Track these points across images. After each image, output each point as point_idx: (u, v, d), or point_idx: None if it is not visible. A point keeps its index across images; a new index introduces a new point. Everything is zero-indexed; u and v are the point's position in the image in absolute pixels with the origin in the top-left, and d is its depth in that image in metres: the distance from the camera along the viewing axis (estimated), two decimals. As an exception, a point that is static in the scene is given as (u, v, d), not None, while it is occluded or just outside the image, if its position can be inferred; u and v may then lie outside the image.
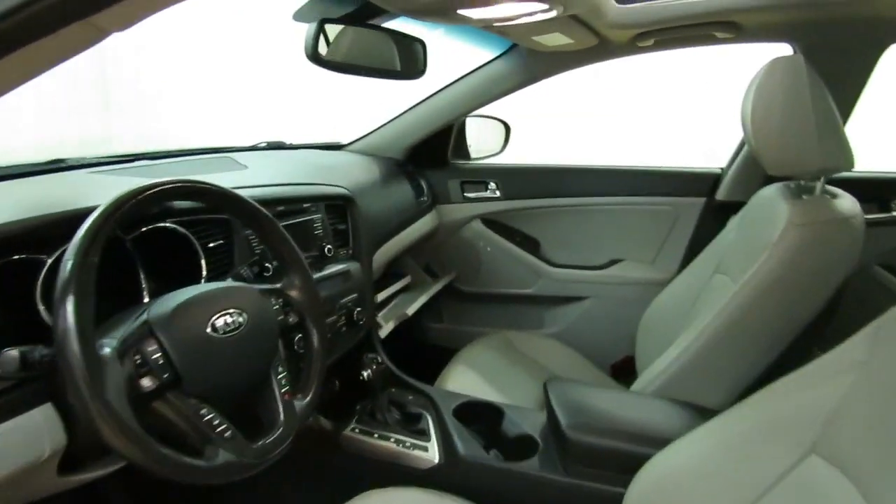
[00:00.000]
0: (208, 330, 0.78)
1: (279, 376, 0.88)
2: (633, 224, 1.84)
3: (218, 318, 0.80)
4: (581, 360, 1.73)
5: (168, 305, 0.76)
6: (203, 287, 0.82)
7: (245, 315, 0.83)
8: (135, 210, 0.76)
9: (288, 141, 1.80)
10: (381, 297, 1.71)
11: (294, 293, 0.96)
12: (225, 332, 0.80)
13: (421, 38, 1.22)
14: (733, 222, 1.39)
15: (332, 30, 1.02)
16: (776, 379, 1.07)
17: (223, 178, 1.24)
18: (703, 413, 1.01)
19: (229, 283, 0.87)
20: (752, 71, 1.14)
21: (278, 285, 0.95)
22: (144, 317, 0.75)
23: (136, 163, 1.27)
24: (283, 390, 0.88)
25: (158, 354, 0.72)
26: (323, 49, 1.01)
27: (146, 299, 0.96)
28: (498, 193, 1.92)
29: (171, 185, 0.79)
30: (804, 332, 1.09)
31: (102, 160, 1.25)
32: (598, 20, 1.23)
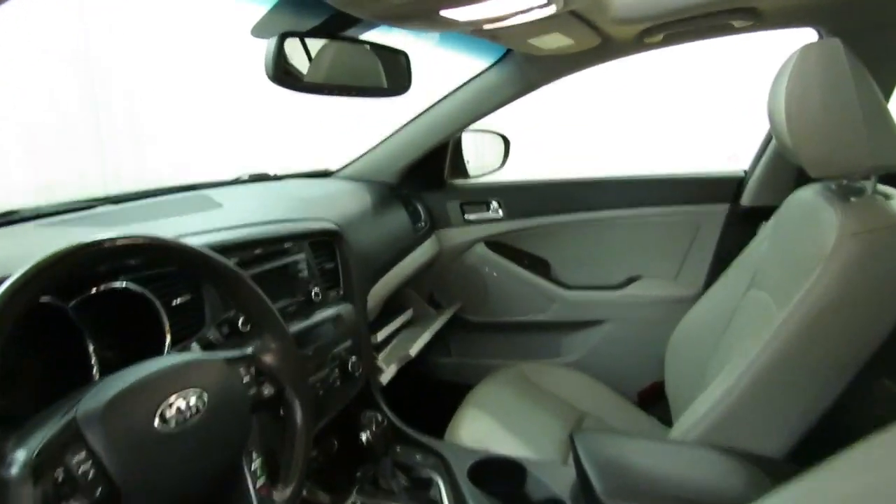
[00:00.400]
0: (156, 423, 0.63)
1: (253, 466, 0.73)
2: (651, 237, 1.68)
3: (168, 405, 0.65)
4: (605, 390, 1.57)
5: (101, 398, 0.61)
6: (146, 367, 0.67)
7: (205, 395, 0.68)
8: (51, 281, 0.61)
9: (272, 171, 1.66)
10: (380, 336, 1.56)
11: (269, 359, 0.81)
12: (178, 423, 0.65)
13: (404, 49, 1.08)
14: (765, 230, 1.23)
15: (297, 45, 0.88)
16: (842, 418, 0.90)
17: (192, 221, 1.11)
18: (765, 466, 0.85)
19: (182, 356, 0.72)
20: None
21: (249, 350, 0.80)
22: (71, 415, 0.60)
23: (97, 209, 1.15)
24: (258, 483, 0.73)
25: (88, 465, 0.57)
26: (289, 67, 0.86)
27: (97, 377, 0.82)
28: (501, 213, 1.78)
29: (94, 247, 0.64)
30: (870, 361, 0.93)
31: (60, 208, 1.13)
32: (602, 16, 1.09)
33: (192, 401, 0.67)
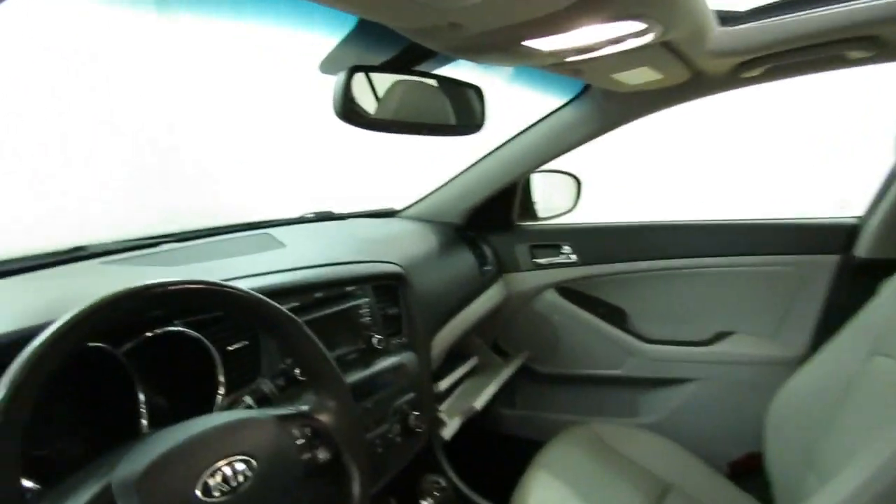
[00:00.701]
0: (198, 492, 0.56)
1: (302, 543, 0.65)
2: (745, 289, 1.52)
3: (212, 472, 0.58)
4: (690, 458, 1.40)
5: (139, 463, 0.55)
6: (192, 427, 0.60)
7: (254, 462, 0.61)
8: (96, 328, 0.56)
9: (338, 210, 1.64)
10: (443, 385, 1.47)
11: (325, 418, 0.73)
12: (224, 493, 0.57)
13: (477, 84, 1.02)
14: (889, 289, 1.07)
15: (366, 80, 0.83)
16: None
17: (254, 261, 1.08)
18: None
19: (231, 415, 0.65)
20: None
21: (305, 408, 0.73)
22: (105, 481, 0.54)
23: (162, 247, 1.13)
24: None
25: None
26: (357, 103, 0.81)
27: (145, 428, 0.77)
28: (574, 258, 1.66)
29: (144, 293, 0.59)
30: None
31: (127, 245, 1.12)
32: (697, 48, 0.99)
33: (240, 467, 0.60)
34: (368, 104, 0.84)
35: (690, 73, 1.15)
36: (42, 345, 0.51)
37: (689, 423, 1.56)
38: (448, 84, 0.97)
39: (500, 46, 0.76)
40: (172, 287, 0.62)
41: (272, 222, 1.41)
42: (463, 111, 1.00)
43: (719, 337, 1.55)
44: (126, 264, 0.99)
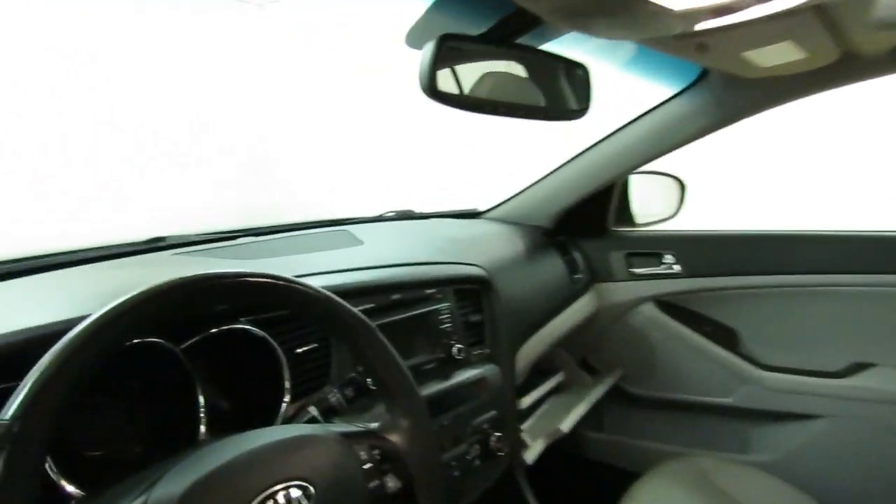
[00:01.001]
0: None
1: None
2: (891, 314, 1.28)
3: (264, 499, 0.49)
4: None
5: (179, 485, 0.46)
6: (244, 442, 0.51)
7: (312, 489, 0.52)
8: (142, 321, 0.49)
9: (418, 209, 1.56)
10: (525, 402, 1.34)
11: (397, 439, 0.62)
12: (274, 527, 0.48)
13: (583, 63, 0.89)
14: None
15: (458, 52, 0.73)
16: None
17: (330, 257, 1.01)
18: None
19: (290, 430, 0.56)
20: None
21: (374, 426, 0.63)
22: (143, 498, 0.46)
23: (239, 240, 1.10)
24: None
25: None
26: (446, 77, 0.71)
27: (204, 433, 0.70)
28: (677, 268, 1.48)
29: (196, 285, 0.51)
30: None
31: (203, 238, 1.10)
32: (859, 15, 0.81)
33: (295, 495, 0.51)
34: (458, 80, 0.74)
35: (840, 52, 0.96)
36: (73, 341, 0.44)
37: (812, 466, 1.34)
38: (550, 61, 0.85)
39: (619, 6, 0.63)
40: (229, 280, 0.53)
41: (351, 220, 1.36)
42: (565, 94, 0.88)
43: (855, 369, 1.32)
44: (197, 256, 0.95)
